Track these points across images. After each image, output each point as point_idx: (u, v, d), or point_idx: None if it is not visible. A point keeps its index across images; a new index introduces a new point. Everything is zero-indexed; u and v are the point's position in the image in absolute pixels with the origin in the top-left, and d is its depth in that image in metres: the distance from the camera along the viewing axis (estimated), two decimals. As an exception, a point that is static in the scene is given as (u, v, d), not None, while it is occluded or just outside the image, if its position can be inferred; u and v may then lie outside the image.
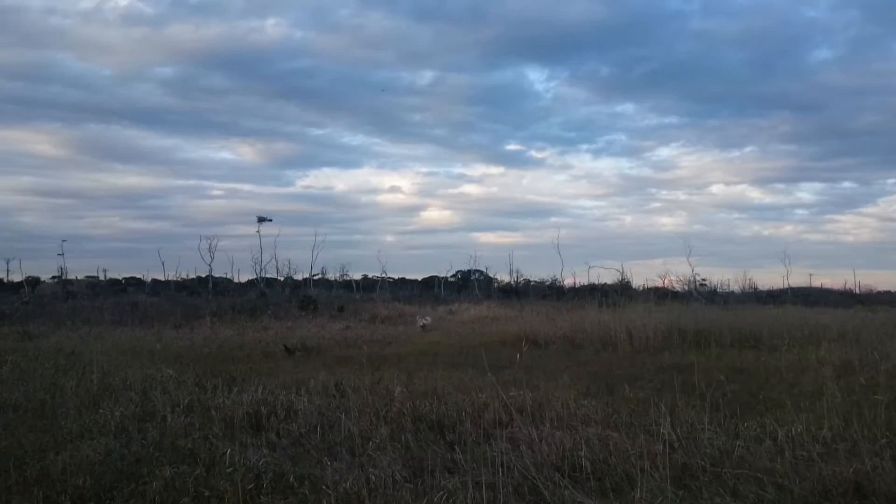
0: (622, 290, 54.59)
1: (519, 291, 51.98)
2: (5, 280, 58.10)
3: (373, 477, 6.15)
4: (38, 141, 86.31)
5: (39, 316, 28.84)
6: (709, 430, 7.48)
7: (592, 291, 52.66)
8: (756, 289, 58.22)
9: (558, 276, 55.68)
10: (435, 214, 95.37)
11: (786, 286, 57.89)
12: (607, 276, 63.98)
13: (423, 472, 6.40)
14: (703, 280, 56.52)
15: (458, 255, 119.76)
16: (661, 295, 53.21)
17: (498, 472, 5.94)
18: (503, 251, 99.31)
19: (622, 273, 57.93)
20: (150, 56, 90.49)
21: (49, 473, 6.32)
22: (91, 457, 6.61)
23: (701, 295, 50.23)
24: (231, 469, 6.36)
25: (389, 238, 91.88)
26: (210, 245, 49.73)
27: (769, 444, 7.14)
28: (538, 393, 10.11)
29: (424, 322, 27.10)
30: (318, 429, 7.91)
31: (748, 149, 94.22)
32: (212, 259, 49.91)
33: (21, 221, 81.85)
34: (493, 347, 20.15)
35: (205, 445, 7.28)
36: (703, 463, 6.46)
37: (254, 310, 32.70)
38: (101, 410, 9.26)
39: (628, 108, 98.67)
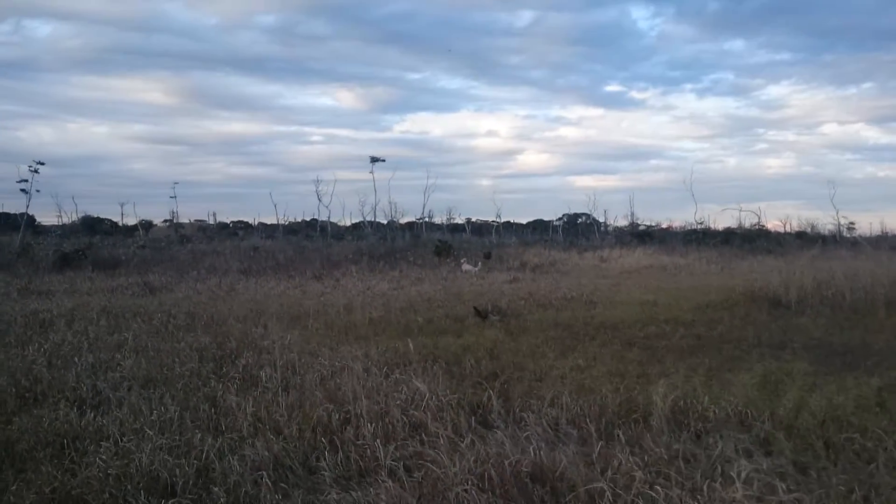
0: (759, 235, 47.63)
1: (652, 235, 45.52)
2: (120, 224, 55.72)
3: None
4: (150, 89, 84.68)
5: (158, 263, 24.34)
6: None
7: (731, 235, 45.89)
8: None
9: (692, 219, 49.04)
10: (531, 158, 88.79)
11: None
12: (726, 219, 56.09)
13: None
14: (852, 223, 48.66)
15: (552, 199, 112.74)
16: (807, 239, 46.08)
17: None
18: (600, 195, 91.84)
19: (759, 216, 50.79)
20: (254, 4, 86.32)
21: None
22: None
23: (865, 240, 42.63)
24: None
25: (484, 182, 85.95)
26: (317, 189, 45.83)
27: None
28: None
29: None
30: None
31: (866, 85, 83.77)
32: (328, 202, 46.58)
33: (134, 168, 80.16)
34: (726, 309, 14.46)
35: None
36: None
37: (387, 256, 27.59)
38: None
39: (737, 44, 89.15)
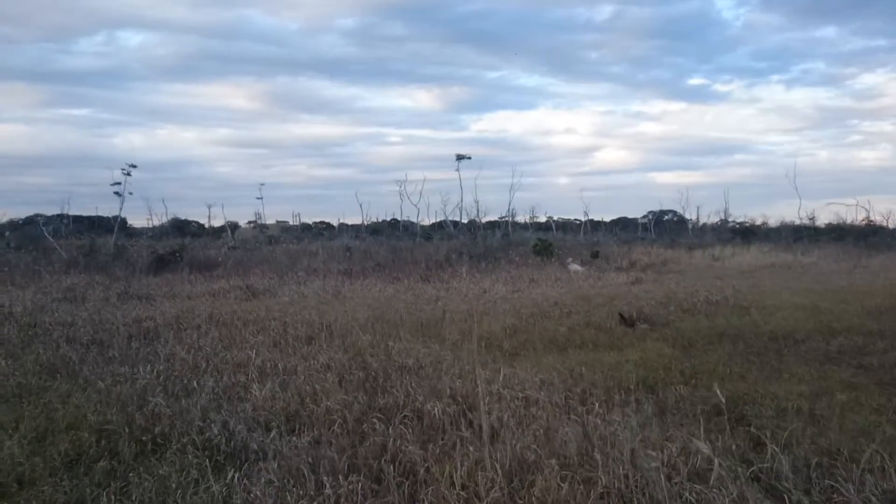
0: (872, 230, 43.85)
1: (755, 231, 42.47)
2: (207, 225, 56.10)
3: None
4: (234, 95, 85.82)
5: (254, 264, 23.23)
6: None
7: (843, 231, 42.35)
8: None
9: (786, 214, 45.69)
10: (611, 155, 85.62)
11: None
12: (825, 215, 52.02)
13: None
14: None
15: (633, 196, 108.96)
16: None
17: None
18: (683, 191, 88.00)
19: (868, 211, 46.87)
20: (334, 7, 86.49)
21: None
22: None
23: None
24: None
25: (563, 180, 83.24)
26: (402, 189, 44.91)
27: None
28: None
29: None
30: None
31: (970, 70, 77.27)
32: (417, 200, 45.27)
33: (220, 171, 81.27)
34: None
35: None
36: None
37: (486, 255, 25.88)
38: None
39: (829, 32, 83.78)
